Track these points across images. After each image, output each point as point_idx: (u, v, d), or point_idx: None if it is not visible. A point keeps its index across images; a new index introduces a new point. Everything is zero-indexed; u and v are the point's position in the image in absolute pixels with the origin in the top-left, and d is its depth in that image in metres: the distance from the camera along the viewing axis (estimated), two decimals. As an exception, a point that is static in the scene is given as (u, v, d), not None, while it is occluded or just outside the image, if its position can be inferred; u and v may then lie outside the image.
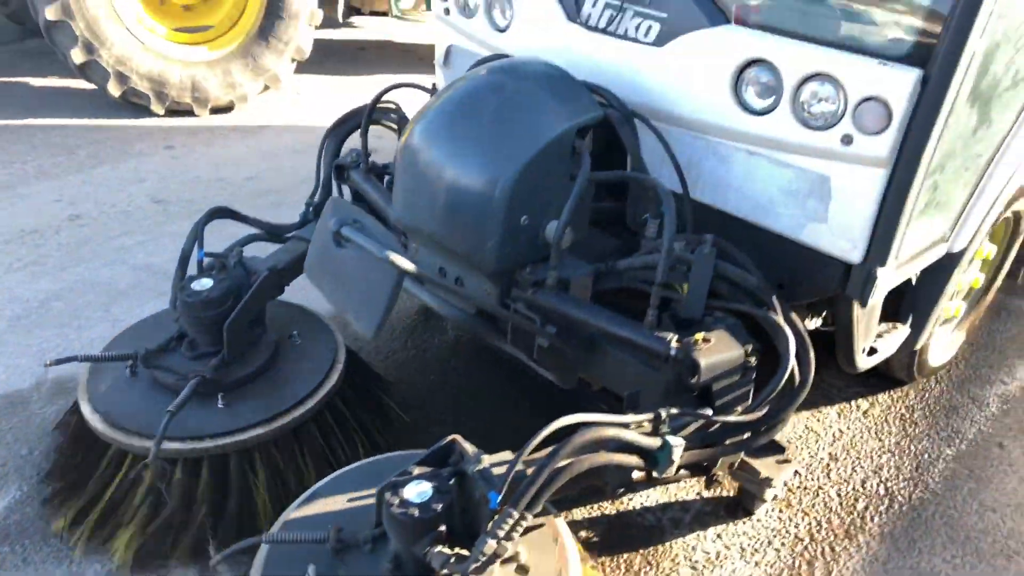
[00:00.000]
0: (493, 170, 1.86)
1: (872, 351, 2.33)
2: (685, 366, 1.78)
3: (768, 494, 2.22)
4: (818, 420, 2.77)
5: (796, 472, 2.48)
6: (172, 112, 5.12)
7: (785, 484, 2.39)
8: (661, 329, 1.86)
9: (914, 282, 2.44)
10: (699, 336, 1.79)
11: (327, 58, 6.59)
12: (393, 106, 2.62)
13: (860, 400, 2.89)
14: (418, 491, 1.53)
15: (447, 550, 1.50)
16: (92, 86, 5.06)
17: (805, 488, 2.44)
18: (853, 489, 2.46)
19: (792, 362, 1.82)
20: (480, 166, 1.88)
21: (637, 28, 2.15)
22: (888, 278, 2.01)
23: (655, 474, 1.74)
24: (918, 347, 2.59)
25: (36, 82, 5.60)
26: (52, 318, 3.04)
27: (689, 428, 1.80)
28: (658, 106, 2.16)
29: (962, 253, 2.43)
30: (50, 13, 4.62)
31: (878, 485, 2.48)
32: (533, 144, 1.87)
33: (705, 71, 2.04)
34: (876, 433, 2.72)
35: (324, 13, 5.57)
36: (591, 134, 1.99)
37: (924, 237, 2.16)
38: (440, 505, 1.51)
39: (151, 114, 5.08)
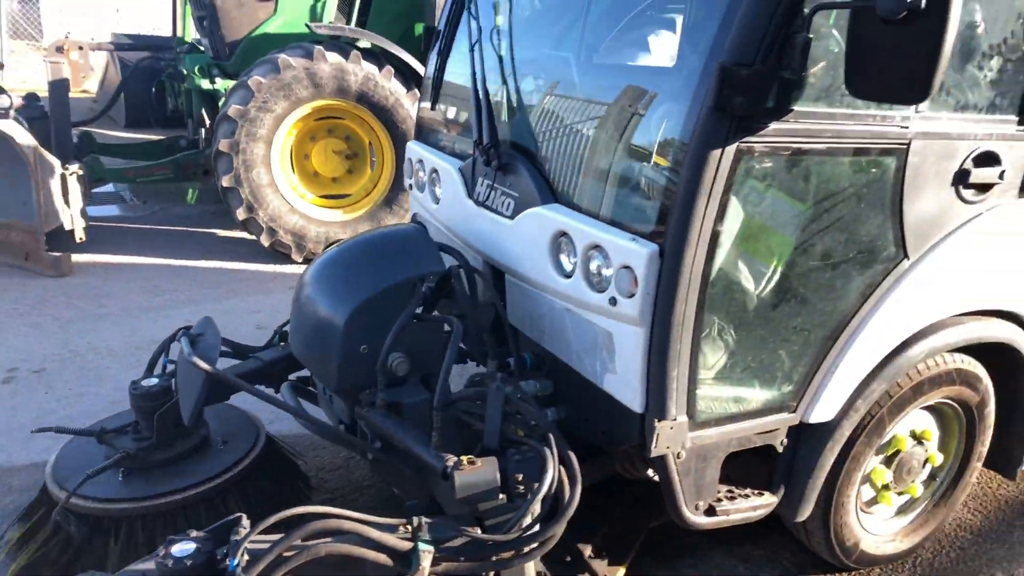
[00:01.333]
0: (338, 307, 2.33)
1: (711, 511, 2.41)
2: (451, 484, 2.06)
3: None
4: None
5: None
6: (307, 260, 6.13)
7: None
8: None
9: (780, 449, 2.51)
10: (466, 458, 2.08)
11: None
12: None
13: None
14: (182, 548, 1.94)
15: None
16: (252, 237, 6.22)
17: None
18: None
19: (545, 489, 2.04)
20: (331, 303, 2.36)
21: (502, 203, 2.59)
22: (678, 434, 2.17)
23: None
24: (799, 519, 2.58)
25: (220, 233, 6.95)
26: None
27: (455, 541, 2.05)
28: (514, 267, 2.54)
29: (832, 427, 2.48)
30: (225, 181, 5.86)
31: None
32: (373, 288, 2.33)
33: (536, 240, 2.41)
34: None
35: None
36: (427, 281, 2.41)
37: (740, 401, 2.30)
38: (191, 562, 1.89)
39: (291, 262, 6.12)
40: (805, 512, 2.58)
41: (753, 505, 2.50)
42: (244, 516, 2.01)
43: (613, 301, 2.13)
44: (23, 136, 5.53)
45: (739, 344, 2.24)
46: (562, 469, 2.12)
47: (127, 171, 6.90)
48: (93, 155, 6.80)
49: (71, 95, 6.74)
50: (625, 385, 2.19)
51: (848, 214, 2.27)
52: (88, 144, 7.07)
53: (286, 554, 1.89)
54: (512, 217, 2.53)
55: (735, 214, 2.07)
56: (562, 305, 2.37)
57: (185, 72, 7.42)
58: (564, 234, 2.31)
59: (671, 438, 2.17)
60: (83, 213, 6.04)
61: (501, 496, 2.08)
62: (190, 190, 7.68)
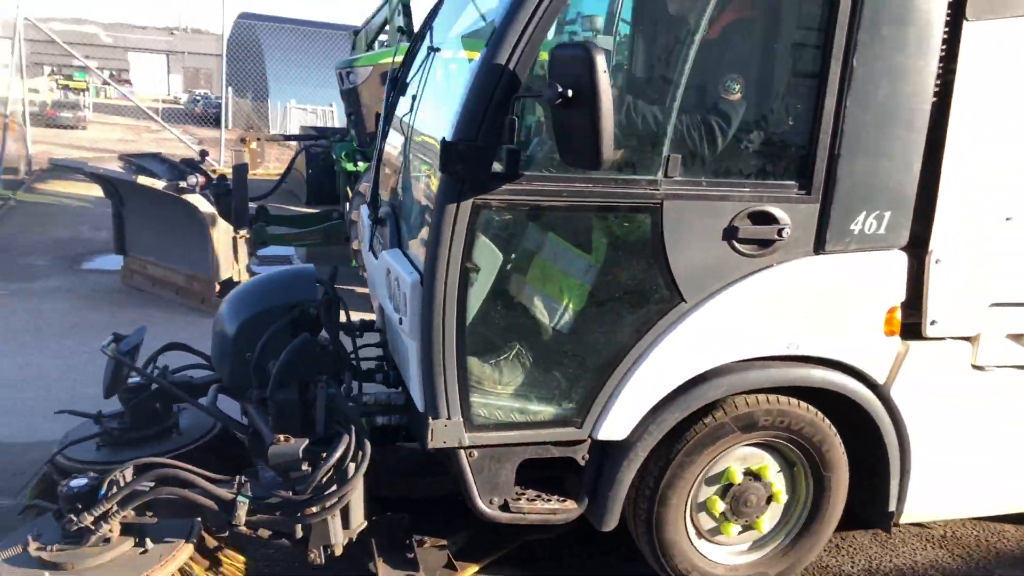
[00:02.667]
0: (231, 323, 3.12)
1: (505, 507, 2.87)
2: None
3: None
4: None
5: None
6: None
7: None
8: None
9: (581, 463, 2.93)
10: (282, 436, 2.74)
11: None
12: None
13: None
14: (78, 481, 2.71)
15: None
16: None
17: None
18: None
19: (332, 462, 2.64)
20: (228, 321, 3.15)
21: (379, 247, 3.27)
22: (453, 432, 2.70)
23: (233, 522, 2.66)
24: (604, 529, 2.95)
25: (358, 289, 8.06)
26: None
27: (271, 500, 2.70)
28: (380, 300, 3.19)
29: (627, 446, 2.87)
30: (355, 245, 7.05)
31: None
32: (256, 309, 3.09)
33: (382, 277, 3.06)
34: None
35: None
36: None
37: (523, 412, 2.79)
38: (77, 489, 2.65)
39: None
40: (610, 523, 2.95)
41: (552, 509, 2.93)
42: (131, 466, 2.77)
43: (400, 320, 2.73)
44: (205, 206, 6.99)
45: (512, 362, 2.76)
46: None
47: (286, 236, 8.35)
48: (260, 223, 8.22)
49: (251, 176, 8.23)
50: (416, 389, 2.76)
51: (609, 258, 2.76)
52: (263, 215, 8.54)
53: (139, 489, 2.63)
54: (377, 257, 3.21)
55: (487, 253, 2.63)
56: (396, 328, 2.99)
57: (335, 156, 9.01)
58: (389, 271, 2.95)
59: (445, 435, 2.70)
60: (248, 268, 7.55)
61: (306, 467, 2.70)
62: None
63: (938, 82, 2.87)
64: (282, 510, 2.69)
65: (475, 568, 3.22)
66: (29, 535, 2.65)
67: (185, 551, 2.69)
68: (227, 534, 2.80)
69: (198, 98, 32.93)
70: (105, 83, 30.83)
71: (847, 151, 2.79)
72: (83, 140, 20.51)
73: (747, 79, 2.81)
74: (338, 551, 2.78)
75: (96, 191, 8.76)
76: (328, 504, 2.66)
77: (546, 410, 2.83)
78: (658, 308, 2.79)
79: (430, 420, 2.69)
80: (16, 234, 9.81)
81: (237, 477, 2.69)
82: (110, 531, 2.62)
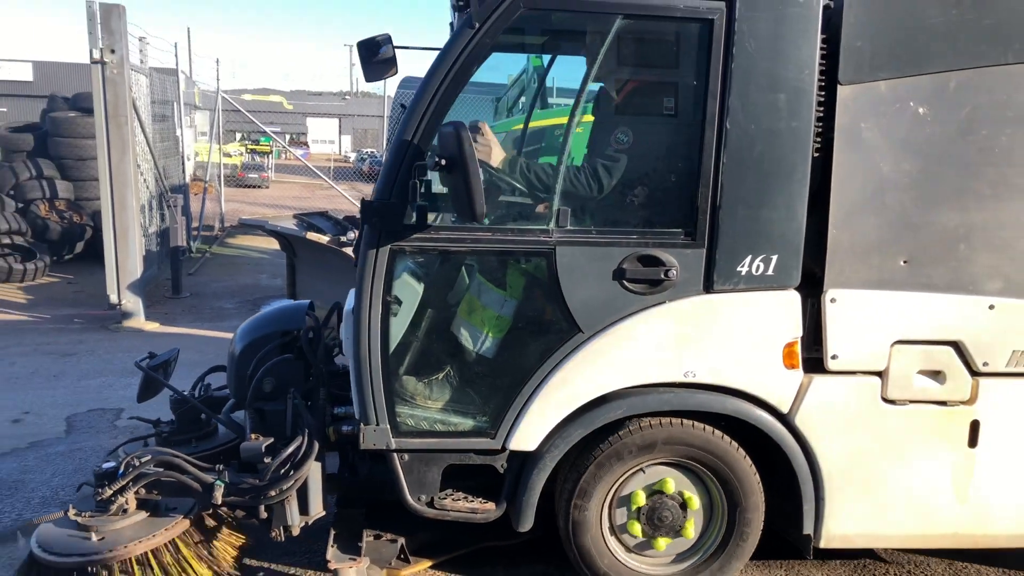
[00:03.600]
0: (236, 347, 3.85)
1: (431, 504, 3.39)
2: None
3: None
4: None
5: None
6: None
7: None
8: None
9: (500, 471, 3.41)
10: (253, 436, 3.42)
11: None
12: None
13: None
14: (108, 463, 3.52)
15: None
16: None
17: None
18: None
19: (284, 456, 3.29)
20: (235, 345, 3.89)
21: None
22: (380, 436, 3.27)
23: (212, 501, 3.37)
24: (520, 529, 3.40)
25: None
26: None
27: (242, 485, 3.38)
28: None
29: (536, 457, 3.33)
30: None
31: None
32: (254, 335, 3.82)
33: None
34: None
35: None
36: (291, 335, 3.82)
37: (444, 423, 3.32)
38: (106, 469, 3.45)
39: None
40: (525, 525, 3.39)
41: (473, 509, 3.42)
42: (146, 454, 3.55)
43: (342, 344, 3.37)
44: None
45: (432, 379, 3.32)
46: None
47: None
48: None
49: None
50: (354, 399, 3.36)
51: (516, 293, 3.28)
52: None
53: (144, 471, 3.39)
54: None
55: (406, 289, 3.23)
56: (356, 351, 3.64)
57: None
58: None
59: (375, 438, 3.28)
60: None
61: (268, 460, 3.36)
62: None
63: (819, 139, 3.21)
64: (248, 494, 3.37)
65: (427, 563, 3.75)
66: (71, 505, 3.47)
67: (182, 525, 3.42)
68: (229, 517, 3.52)
69: (365, 156, 35.50)
70: (285, 147, 34.34)
71: (727, 203, 3.17)
72: (265, 198, 22.88)
73: (636, 139, 3.27)
74: (295, 532, 3.41)
75: (274, 244, 10.22)
76: (283, 489, 3.31)
77: (465, 422, 3.35)
78: (559, 337, 3.26)
79: (362, 425, 3.28)
80: (209, 282, 11.55)
81: (217, 466, 3.40)
82: (127, 504, 3.39)
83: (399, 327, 3.27)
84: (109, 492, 3.34)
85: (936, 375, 3.42)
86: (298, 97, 58.28)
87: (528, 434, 3.31)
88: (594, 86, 3.57)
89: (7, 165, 12.14)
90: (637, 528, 3.45)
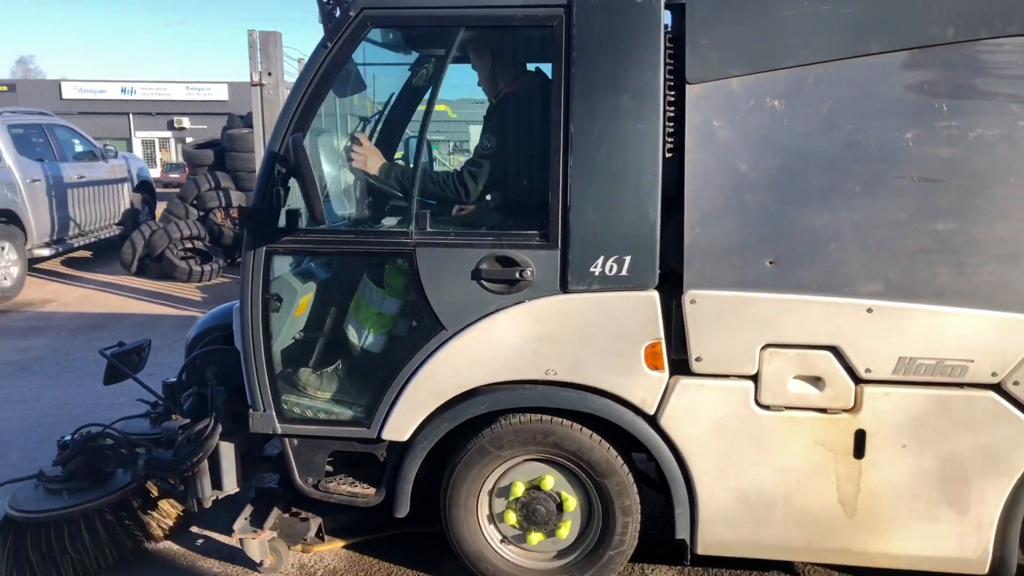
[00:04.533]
0: (192, 335, 4.30)
1: (317, 486, 3.66)
2: (165, 429, 3.85)
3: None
4: None
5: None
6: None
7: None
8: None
9: (381, 459, 3.63)
10: (175, 416, 3.85)
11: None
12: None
13: None
14: (67, 437, 4.07)
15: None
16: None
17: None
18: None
19: (192, 434, 3.68)
20: (190, 336, 4.34)
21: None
22: (266, 422, 3.58)
23: (137, 473, 3.83)
24: (397, 515, 3.59)
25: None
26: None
27: (163, 460, 3.82)
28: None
29: (408, 447, 3.53)
30: None
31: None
32: (202, 328, 4.26)
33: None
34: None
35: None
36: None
37: (326, 412, 3.59)
38: (61, 441, 4.01)
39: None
40: (400, 511, 3.57)
41: (355, 493, 3.66)
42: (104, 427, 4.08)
43: (243, 336, 3.72)
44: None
45: (314, 370, 3.60)
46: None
47: None
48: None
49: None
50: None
51: (388, 290, 3.49)
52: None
53: (90, 444, 3.91)
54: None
55: (284, 287, 3.53)
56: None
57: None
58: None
59: (262, 423, 3.59)
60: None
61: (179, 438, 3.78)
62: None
63: (671, 141, 3.20)
64: (164, 468, 3.80)
65: (341, 544, 4.03)
66: (42, 470, 4.06)
67: (126, 492, 3.92)
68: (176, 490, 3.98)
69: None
70: (450, 153, 35.84)
71: (577, 205, 3.23)
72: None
73: (497, 144, 3.40)
74: (207, 504, 3.80)
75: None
76: (190, 464, 3.71)
77: (346, 412, 3.60)
78: (426, 334, 3.43)
79: (251, 411, 3.62)
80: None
81: (148, 444, 3.86)
82: (76, 470, 3.93)
83: (281, 323, 3.57)
84: (60, 460, 3.89)
85: (816, 381, 3.29)
86: (462, 106, 60.37)
87: (400, 425, 3.50)
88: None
89: (192, 178, 13.69)
90: (513, 518, 3.56)
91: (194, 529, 4.27)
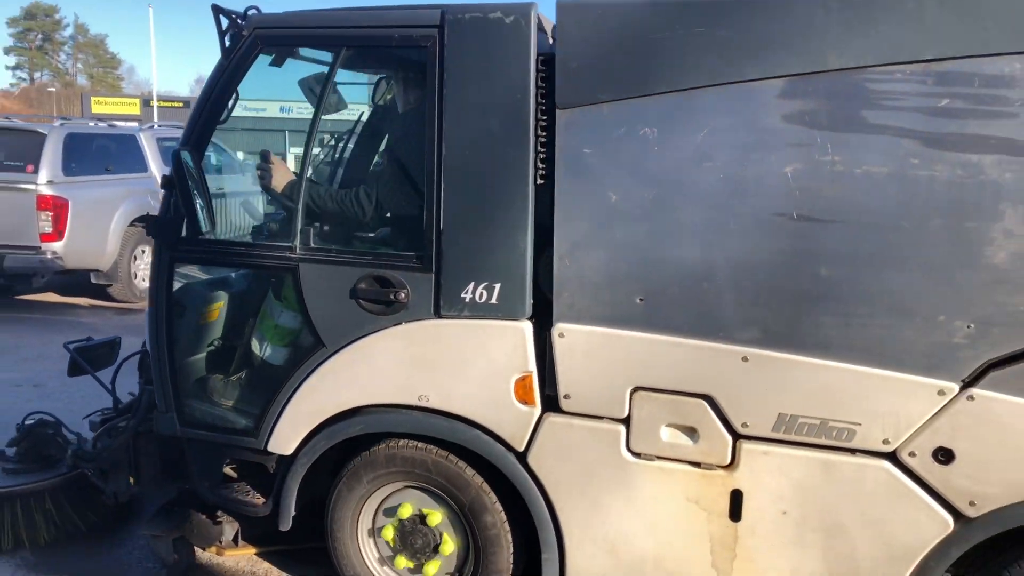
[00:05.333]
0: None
1: (211, 490, 3.74)
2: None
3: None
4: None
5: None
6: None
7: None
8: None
9: (271, 471, 3.67)
10: (102, 412, 4.06)
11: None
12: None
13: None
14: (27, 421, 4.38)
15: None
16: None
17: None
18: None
19: (116, 428, 3.86)
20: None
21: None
22: (168, 423, 3.69)
23: (68, 463, 4.06)
24: (281, 528, 3.60)
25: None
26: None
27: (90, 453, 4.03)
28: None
29: (291, 461, 3.55)
30: None
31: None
32: None
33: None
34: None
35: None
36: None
37: (222, 419, 3.67)
38: (17, 425, 4.31)
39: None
40: (283, 525, 3.59)
41: (246, 502, 3.71)
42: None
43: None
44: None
45: (211, 377, 3.69)
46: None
47: None
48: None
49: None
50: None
51: (287, 304, 3.53)
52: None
53: (35, 431, 4.20)
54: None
55: (187, 296, 3.65)
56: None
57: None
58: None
59: (165, 423, 3.72)
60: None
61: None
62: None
63: (543, 167, 3.08)
64: (87, 459, 4.00)
65: (253, 551, 4.10)
66: (3, 449, 4.39)
67: (57, 480, 4.17)
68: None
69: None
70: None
71: (449, 229, 3.15)
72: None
73: (387, 164, 3.39)
74: (122, 498, 3.97)
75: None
76: (103, 458, 3.89)
77: (239, 420, 3.65)
78: (308, 350, 3.45)
79: (155, 411, 3.75)
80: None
81: (84, 437, 4.09)
82: (24, 454, 4.22)
83: (187, 328, 3.69)
84: (10, 442, 4.19)
85: (690, 431, 3.04)
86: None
87: (284, 438, 3.52)
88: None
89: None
90: (391, 535, 3.49)
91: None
